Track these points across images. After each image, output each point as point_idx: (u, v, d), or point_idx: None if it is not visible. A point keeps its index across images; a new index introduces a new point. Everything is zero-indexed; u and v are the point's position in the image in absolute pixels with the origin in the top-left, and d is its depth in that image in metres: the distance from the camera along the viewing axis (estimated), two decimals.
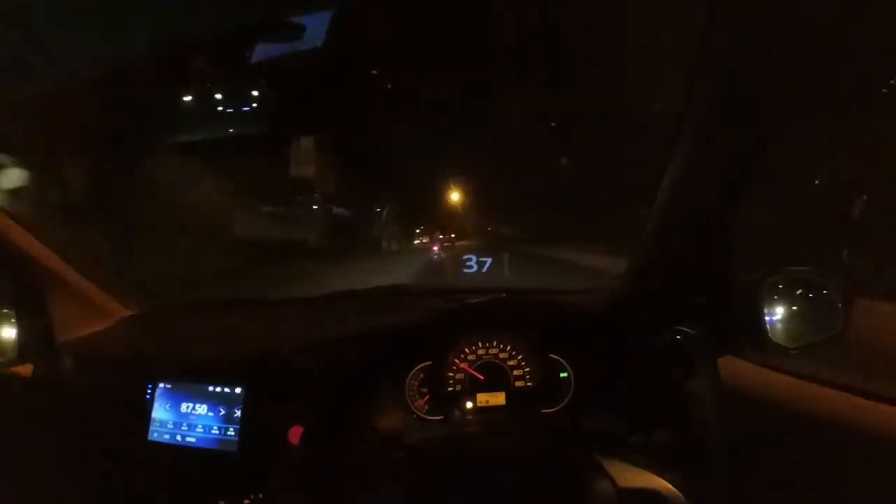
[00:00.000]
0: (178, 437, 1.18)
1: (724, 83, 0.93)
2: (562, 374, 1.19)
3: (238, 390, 1.18)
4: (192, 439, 1.18)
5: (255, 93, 1.17)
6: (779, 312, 0.91)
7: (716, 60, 0.92)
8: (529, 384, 1.20)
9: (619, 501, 1.00)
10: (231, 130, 1.18)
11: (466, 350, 1.22)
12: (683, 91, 1.02)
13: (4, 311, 1.23)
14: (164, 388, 1.22)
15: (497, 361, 1.21)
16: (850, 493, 0.74)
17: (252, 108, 1.18)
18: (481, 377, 1.20)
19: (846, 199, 1.01)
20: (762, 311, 0.91)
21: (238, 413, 1.17)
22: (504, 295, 1.39)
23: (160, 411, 1.21)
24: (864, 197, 0.98)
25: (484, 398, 1.19)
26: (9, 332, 1.24)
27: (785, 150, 1.04)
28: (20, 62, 0.73)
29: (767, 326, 0.90)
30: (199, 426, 1.18)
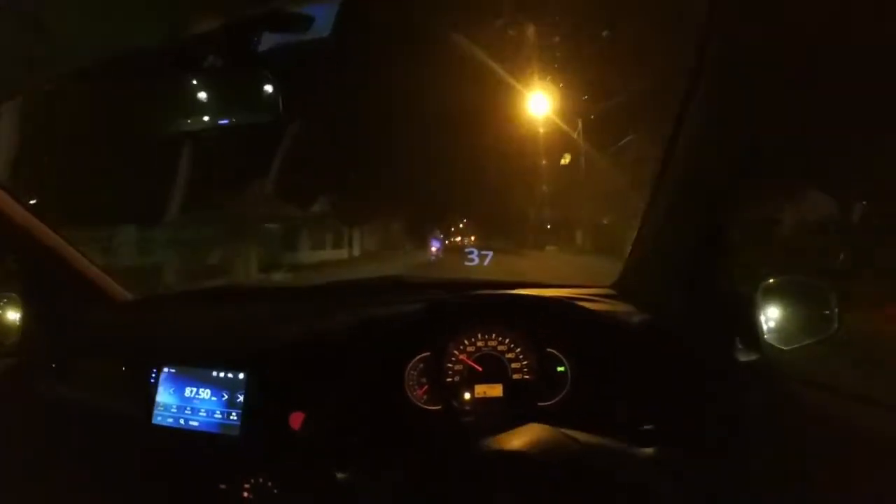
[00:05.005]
0: (182, 421, 1.20)
1: (721, 87, 0.94)
2: (559, 368, 1.21)
3: (241, 376, 1.20)
4: (196, 423, 1.20)
5: (259, 85, 1.16)
6: (773, 315, 0.93)
7: (712, 66, 0.93)
8: (527, 377, 1.22)
9: (613, 494, 1.03)
10: (232, 121, 1.17)
11: (466, 342, 1.24)
12: (681, 95, 1.03)
13: (9, 295, 1.24)
14: (169, 372, 1.23)
15: (495, 354, 1.23)
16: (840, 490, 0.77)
17: (256, 100, 1.17)
18: (480, 368, 1.22)
19: (843, 204, 1.02)
20: (758, 313, 0.93)
21: (241, 398, 1.19)
22: (503, 288, 1.41)
23: (164, 395, 1.22)
24: (864, 202, 1.00)
25: (482, 389, 1.21)
26: (13, 316, 1.25)
27: (781, 154, 1.05)
28: (26, 54, 0.73)
29: (763, 328, 0.92)
30: (203, 410, 1.20)
